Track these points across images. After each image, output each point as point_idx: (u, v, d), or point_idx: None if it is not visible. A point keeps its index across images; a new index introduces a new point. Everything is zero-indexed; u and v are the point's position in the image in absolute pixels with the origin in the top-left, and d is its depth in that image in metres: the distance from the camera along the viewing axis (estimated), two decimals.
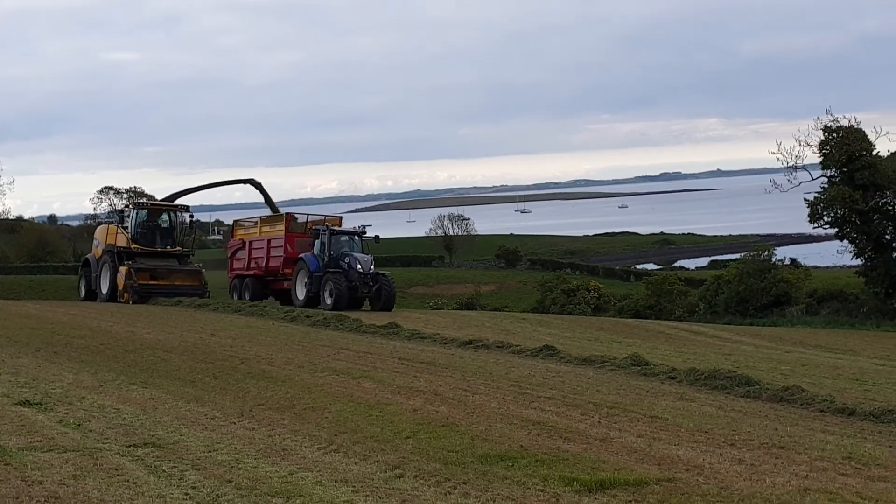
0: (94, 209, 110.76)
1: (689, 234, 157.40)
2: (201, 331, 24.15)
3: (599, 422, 12.17)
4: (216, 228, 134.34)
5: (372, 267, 35.66)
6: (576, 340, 26.57)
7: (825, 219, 46.90)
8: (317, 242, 36.25)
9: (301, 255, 36.35)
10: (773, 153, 49.40)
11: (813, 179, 48.99)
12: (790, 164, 48.69)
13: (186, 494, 8.36)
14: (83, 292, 40.66)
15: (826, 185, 47.34)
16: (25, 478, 8.75)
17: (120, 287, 37.23)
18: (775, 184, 50.08)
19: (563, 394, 14.52)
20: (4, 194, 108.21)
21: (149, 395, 13.70)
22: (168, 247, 39.74)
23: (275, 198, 45.57)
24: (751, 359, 22.98)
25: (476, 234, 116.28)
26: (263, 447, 10.32)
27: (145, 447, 10.16)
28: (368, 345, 21.63)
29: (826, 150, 46.79)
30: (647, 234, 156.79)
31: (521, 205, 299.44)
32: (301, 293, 35.75)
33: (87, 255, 41.94)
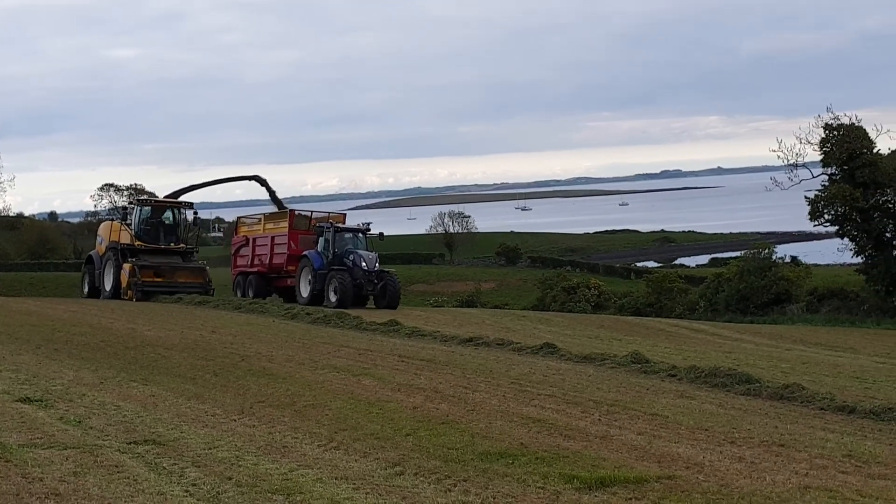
0: (95, 206, 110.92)
1: (689, 231, 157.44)
2: (202, 328, 24.16)
3: (600, 419, 12.17)
4: (217, 226, 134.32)
5: (377, 264, 35.45)
6: (576, 338, 26.57)
7: (826, 217, 46.88)
8: (321, 240, 36.05)
9: (305, 253, 36.11)
10: (774, 151, 49.43)
11: (813, 177, 48.96)
12: (791, 161, 48.68)
13: (187, 491, 8.37)
14: (86, 289, 40.47)
15: (827, 183, 47.32)
16: (26, 475, 8.76)
17: (123, 284, 37.06)
18: (776, 181, 50.06)
19: (564, 391, 14.53)
20: (5, 191, 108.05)
21: (149, 392, 13.70)
22: (172, 244, 39.54)
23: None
24: (751, 357, 22.99)
25: (476, 231, 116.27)
26: (264, 444, 10.33)
27: (146, 444, 10.16)
28: (369, 342, 21.64)
29: (827, 147, 46.77)
30: (647, 232, 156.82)
31: (521, 202, 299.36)
32: (305, 291, 35.55)
33: (91, 252, 41.71)
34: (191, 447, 10.07)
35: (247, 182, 50.38)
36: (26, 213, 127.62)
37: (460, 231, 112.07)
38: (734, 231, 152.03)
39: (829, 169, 47.49)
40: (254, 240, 39.99)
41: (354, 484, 8.70)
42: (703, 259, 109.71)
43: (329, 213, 41.12)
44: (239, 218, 44.10)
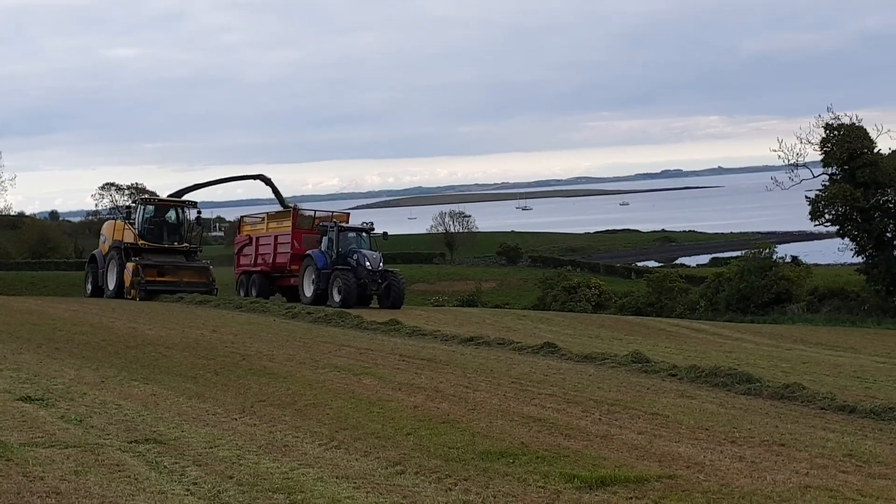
0: (96, 205, 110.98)
1: (690, 231, 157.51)
2: (203, 327, 24.17)
3: (600, 419, 12.18)
4: (218, 225, 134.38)
5: (381, 264, 35.25)
6: (577, 338, 26.57)
7: (826, 216, 46.87)
8: (324, 239, 35.89)
9: (308, 252, 35.93)
10: (775, 151, 49.41)
11: (814, 177, 48.95)
12: (791, 161, 48.66)
13: (188, 490, 8.37)
14: (89, 288, 40.29)
15: (827, 183, 47.31)
16: (27, 473, 8.76)
17: (127, 284, 36.90)
18: (776, 181, 50.07)
19: (564, 391, 14.53)
20: (6, 190, 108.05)
21: (150, 391, 13.71)
22: (175, 243, 39.38)
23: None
24: (752, 356, 22.99)
25: (477, 231, 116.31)
26: (265, 443, 10.33)
27: (147, 443, 10.17)
28: (369, 341, 21.64)
29: (827, 147, 46.77)
30: (648, 232, 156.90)
31: (522, 202, 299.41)
32: (308, 290, 35.40)
33: (94, 252, 41.45)
34: (192, 446, 10.08)
35: (247, 181, 50.37)
36: (27, 213, 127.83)
37: (461, 231, 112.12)
38: (735, 231, 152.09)
39: (830, 169, 47.47)
40: (257, 239, 39.84)
41: (355, 483, 8.71)
42: (704, 259, 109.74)
43: (333, 212, 41.04)
44: (242, 217, 43.93)
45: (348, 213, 41.19)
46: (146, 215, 39.66)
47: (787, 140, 51.78)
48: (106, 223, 44.64)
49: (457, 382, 15.04)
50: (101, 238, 41.29)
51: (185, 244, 39.76)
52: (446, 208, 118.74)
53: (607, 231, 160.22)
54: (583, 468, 9.32)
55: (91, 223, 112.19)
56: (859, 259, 48.55)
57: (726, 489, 8.74)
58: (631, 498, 8.43)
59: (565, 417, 12.20)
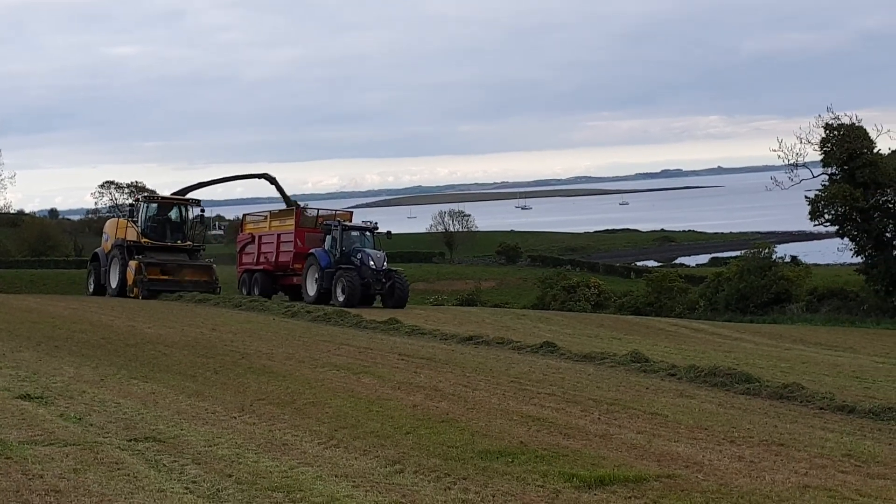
0: (96, 203, 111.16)
1: (689, 231, 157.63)
2: (202, 325, 24.16)
3: (599, 418, 12.18)
4: (217, 223, 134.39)
5: (385, 263, 35.02)
6: (576, 337, 26.57)
7: (826, 216, 46.87)
8: (328, 238, 35.63)
9: (312, 251, 35.68)
10: (774, 150, 49.42)
11: (814, 177, 48.96)
12: (791, 161, 48.67)
13: (187, 489, 8.37)
14: (92, 286, 40.05)
15: (827, 183, 47.31)
16: (26, 471, 8.76)
17: (130, 282, 36.68)
18: (776, 181, 50.06)
19: (563, 390, 14.53)
20: (6, 188, 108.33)
21: (149, 389, 13.71)
22: (178, 241, 39.17)
23: (275, 193, 45.11)
24: (751, 356, 22.99)
25: (476, 230, 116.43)
26: (264, 442, 10.33)
27: (146, 441, 10.17)
28: (369, 340, 21.64)
29: (827, 147, 46.77)
30: (647, 231, 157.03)
31: (521, 201, 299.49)
32: (312, 289, 35.16)
33: (97, 249, 41.13)
34: (191, 444, 10.08)
35: (247, 180, 50.15)
36: (27, 211, 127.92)
37: (460, 230, 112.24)
38: (734, 230, 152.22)
39: (830, 169, 47.48)
40: (259, 237, 39.62)
41: (354, 482, 8.71)
42: (703, 258, 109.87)
43: (336, 210, 40.91)
44: (245, 215, 43.69)
45: (351, 212, 41.03)
46: (149, 213, 39.41)
47: (786, 140, 51.92)
48: (109, 221, 44.45)
49: (456, 381, 15.05)
50: (104, 236, 41.01)
51: (189, 242, 39.53)
52: (446, 207, 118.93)
53: (607, 231, 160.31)
54: (582, 467, 9.32)
55: (91, 221, 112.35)
56: (859, 259, 48.56)
57: (725, 489, 8.75)
58: (630, 497, 8.43)
59: (564, 417, 12.21)
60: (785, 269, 51.78)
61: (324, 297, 34.33)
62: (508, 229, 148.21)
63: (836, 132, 46.42)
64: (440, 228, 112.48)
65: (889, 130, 47.55)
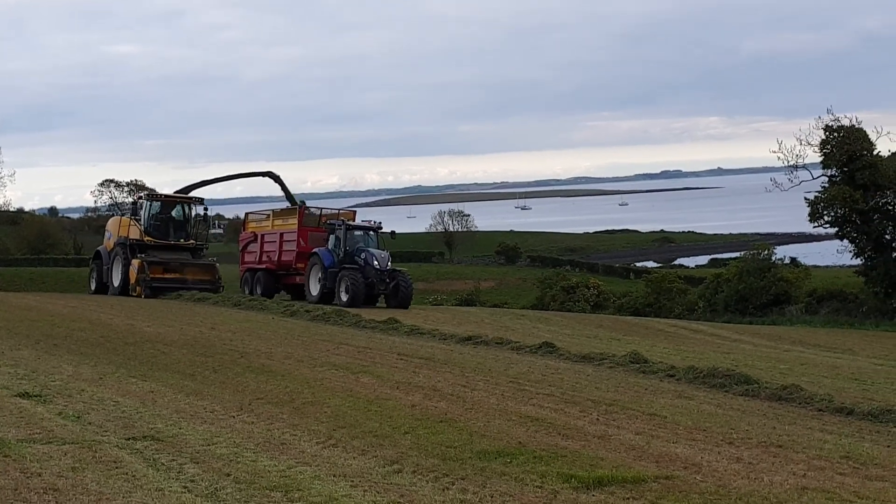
0: (95, 202, 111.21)
1: (689, 232, 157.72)
2: (201, 324, 24.16)
3: (598, 419, 12.18)
4: (217, 222, 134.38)
5: (389, 263, 34.82)
6: (575, 337, 26.58)
7: (825, 218, 46.89)
8: (331, 237, 35.39)
9: (315, 250, 35.45)
10: (774, 152, 49.46)
11: (813, 179, 48.98)
12: (791, 163, 48.71)
13: (185, 487, 8.37)
14: (94, 285, 39.86)
15: (826, 185, 47.35)
16: (24, 470, 8.76)
17: (132, 281, 36.49)
18: (776, 183, 50.07)
19: (562, 391, 14.53)
20: (5, 186, 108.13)
21: (148, 388, 13.71)
22: (181, 240, 38.95)
23: (275, 192, 44.93)
24: (750, 357, 23.00)
25: (476, 230, 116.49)
26: (262, 441, 10.33)
27: (144, 440, 10.16)
28: (368, 340, 21.64)
29: (827, 149, 46.79)
30: (647, 232, 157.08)
31: (521, 201, 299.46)
32: (315, 289, 34.94)
33: (99, 247, 40.93)
34: (189, 443, 10.08)
35: (246, 179, 49.98)
36: (27, 209, 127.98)
37: (460, 230, 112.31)
38: (734, 232, 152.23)
39: (829, 170, 47.52)
40: (262, 236, 39.43)
41: (352, 481, 8.71)
42: (703, 259, 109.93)
43: (339, 209, 40.79)
44: (247, 213, 43.52)
45: (354, 211, 40.87)
46: (152, 211, 39.16)
47: (786, 141, 51.82)
48: (111, 219, 44.26)
49: (455, 381, 15.05)
50: (106, 234, 40.78)
51: (192, 241, 39.31)
52: (445, 207, 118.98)
53: (606, 231, 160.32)
54: (580, 468, 9.32)
55: (90, 220, 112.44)
56: (858, 261, 48.59)
57: (723, 490, 8.75)
58: (628, 498, 8.43)
59: (563, 417, 12.21)
60: (784, 270, 51.83)
61: (327, 296, 34.12)
62: (508, 229, 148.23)
63: (835, 134, 46.44)
64: (440, 228, 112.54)
65: (889, 132, 47.66)
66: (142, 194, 49.94)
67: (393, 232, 37.79)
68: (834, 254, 54.90)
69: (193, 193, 41.94)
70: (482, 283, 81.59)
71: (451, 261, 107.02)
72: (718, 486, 8.87)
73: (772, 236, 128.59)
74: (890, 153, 47.49)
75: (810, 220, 47.89)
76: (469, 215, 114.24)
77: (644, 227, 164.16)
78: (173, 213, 39.80)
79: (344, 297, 33.42)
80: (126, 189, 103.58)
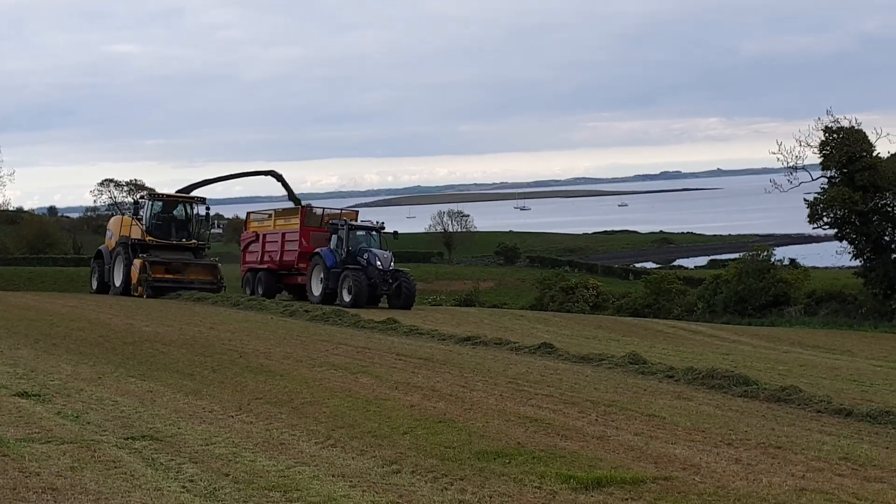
0: (95, 201, 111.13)
1: (688, 233, 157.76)
2: (200, 324, 24.16)
3: (597, 420, 12.18)
4: (216, 222, 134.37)
5: (391, 263, 34.64)
6: (574, 338, 26.58)
7: (825, 219, 46.87)
8: (334, 237, 35.17)
9: (317, 250, 35.26)
10: (774, 153, 49.40)
11: (813, 180, 48.96)
12: (790, 164, 48.64)
13: (184, 487, 8.36)
14: (95, 284, 39.65)
15: (826, 186, 47.32)
16: (23, 469, 8.76)
17: (134, 280, 36.34)
18: (775, 184, 50.04)
19: (561, 391, 14.54)
20: (4, 185, 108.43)
21: (147, 387, 13.71)
22: (183, 239, 38.71)
23: (274, 192, 44.78)
24: (748, 358, 23.00)
25: (475, 230, 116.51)
26: (261, 441, 10.33)
27: (143, 440, 10.16)
28: (367, 340, 21.64)
29: (826, 150, 46.77)
30: (646, 233, 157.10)
31: (520, 202, 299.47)
32: (317, 289, 34.75)
33: (101, 247, 40.69)
34: (188, 443, 10.08)
35: (246, 179, 49.88)
36: (26, 208, 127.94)
37: (459, 230, 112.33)
38: (733, 233, 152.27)
39: (829, 172, 47.48)
40: (264, 236, 39.23)
41: (351, 481, 8.71)
42: (702, 260, 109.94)
43: (342, 209, 40.69)
44: (249, 213, 43.35)
45: (357, 211, 40.71)
46: (154, 211, 38.91)
47: (786, 143, 51.81)
48: (113, 218, 44.01)
49: (454, 382, 15.05)
50: (108, 233, 40.55)
51: (194, 241, 39.06)
52: (445, 207, 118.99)
53: (605, 232, 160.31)
54: (579, 469, 9.32)
55: (89, 219, 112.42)
56: (857, 262, 48.56)
57: (722, 491, 8.75)
58: (627, 499, 8.43)
59: (562, 418, 12.21)
60: (783, 271, 51.81)
61: (329, 297, 33.95)
62: (507, 230, 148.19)
63: (835, 135, 46.42)
64: (439, 228, 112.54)
65: (888, 134, 47.54)
66: (143, 193, 49.73)
67: (395, 232, 37.68)
68: (833, 255, 54.88)
69: (195, 193, 41.75)
70: (481, 283, 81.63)
71: (451, 261, 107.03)
72: (717, 487, 8.87)
73: (771, 237, 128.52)
74: (889, 155, 47.45)
75: (809, 222, 47.87)
76: (468, 216, 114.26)
77: (643, 228, 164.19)
78: (175, 212, 39.63)
79: (347, 298, 33.29)
80: (125, 189, 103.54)
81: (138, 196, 48.75)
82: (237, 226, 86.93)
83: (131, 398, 12.76)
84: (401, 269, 35.91)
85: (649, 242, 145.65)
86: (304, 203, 41.17)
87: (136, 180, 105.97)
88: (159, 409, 12.05)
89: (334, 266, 34.31)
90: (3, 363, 15.66)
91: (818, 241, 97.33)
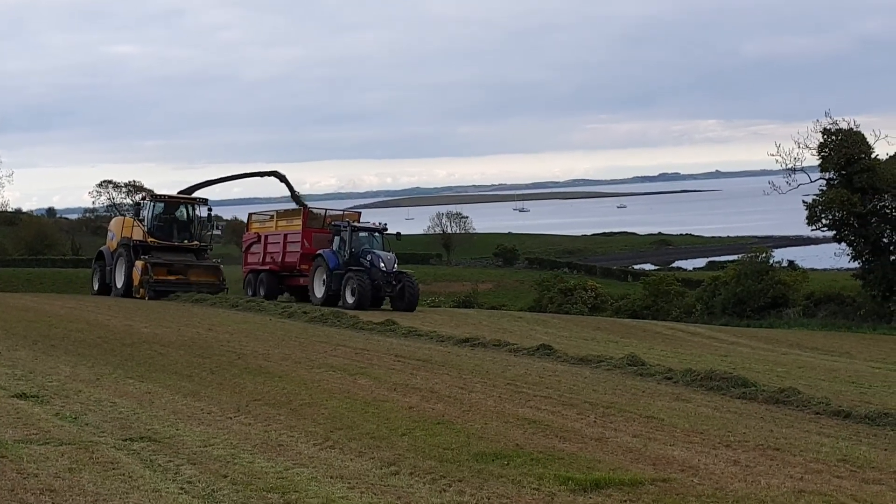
0: (93, 203, 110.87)
1: (686, 234, 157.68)
2: (198, 325, 24.15)
3: (595, 421, 12.18)
4: (216, 224, 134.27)
5: (395, 265, 34.49)
6: (572, 340, 26.59)
7: (823, 221, 46.88)
8: (336, 239, 35.05)
9: (320, 252, 35.13)
10: (772, 155, 49.41)
11: (811, 182, 48.97)
12: (789, 166, 48.64)
13: (182, 489, 8.36)
14: (96, 286, 39.45)
15: (824, 188, 47.34)
16: (21, 470, 8.75)
17: (136, 282, 36.15)
18: (774, 186, 50.04)
19: (559, 393, 14.54)
20: (3, 187, 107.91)
21: (145, 389, 13.70)
22: (185, 241, 38.52)
23: (274, 193, 44.77)
24: (747, 360, 23.00)
25: (474, 232, 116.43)
26: (259, 442, 10.33)
27: (141, 441, 10.16)
28: (365, 341, 21.64)
29: (825, 152, 46.78)
30: (645, 235, 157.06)
31: (519, 204, 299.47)
32: (319, 291, 34.60)
33: (102, 248, 40.51)
34: (186, 444, 10.08)
35: (246, 179, 49.69)
36: (25, 209, 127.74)
37: (458, 231, 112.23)
38: (731, 234, 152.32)
39: (827, 174, 47.49)
40: (266, 237, 39.05)
41: (349, 483, 8.71)
42: (701, 262, 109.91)
43: (344, 210, 40.57)
44: (251, 214, 43.17)
45: (360, 212, 40.57)
46: (156, 212, 38.65)
47: (784, 144, 51.91)
48: (114, 219, 43.78)
49: (452, 383, 15.05)
50: (109, 234, 40.32)
51: (196, 242, 38.87)
52: (444, 209, 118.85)
53: (604, 233, 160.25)
54: (577, 470, 9.32)
55: (88, 220, 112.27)
56: (856, 264, 48.58)
57: (720, 493, 8.75)
58: (625, 501, 8.44)
59: (560, 419, 12.21)
60: (782, 273, 51.86)
61: (332, 298, 33.76)
62: (506, 231, 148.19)
63: (834, 137, 46.43)
64: (438, 230, 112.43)
65: (887, 136, 47.54)
66: (144, 194, 49.49)
67: (398, 233, 37.61)
68: (831, 257, 54.78)
69: (197, 194, 41.58)
70: (480, 284, 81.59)
71: (449, 262, 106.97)
72: (715, 489, 8.87)
73: (769, 239, 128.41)
74: (888, 157, 47.47)
75: (808, 224, 47.86)
76: (467, 217, 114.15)
77: (642, 230, 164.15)
78: (177, 213, 39.46)
79: (350, 300, 33.11)
80: (124, 190, 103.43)
81: (139, 197, 48.57)
82: (236, 227, 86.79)
83: (129, 399, 12.75)
84: (404, 270, 35.77)
85: (648, 244, 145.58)
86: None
87: (134, 181, 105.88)
88: (157, 410, 12.05)
89: (337, 268, 34.11)
90: (1, 364, 15.66)
91: (817, 243, 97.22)
